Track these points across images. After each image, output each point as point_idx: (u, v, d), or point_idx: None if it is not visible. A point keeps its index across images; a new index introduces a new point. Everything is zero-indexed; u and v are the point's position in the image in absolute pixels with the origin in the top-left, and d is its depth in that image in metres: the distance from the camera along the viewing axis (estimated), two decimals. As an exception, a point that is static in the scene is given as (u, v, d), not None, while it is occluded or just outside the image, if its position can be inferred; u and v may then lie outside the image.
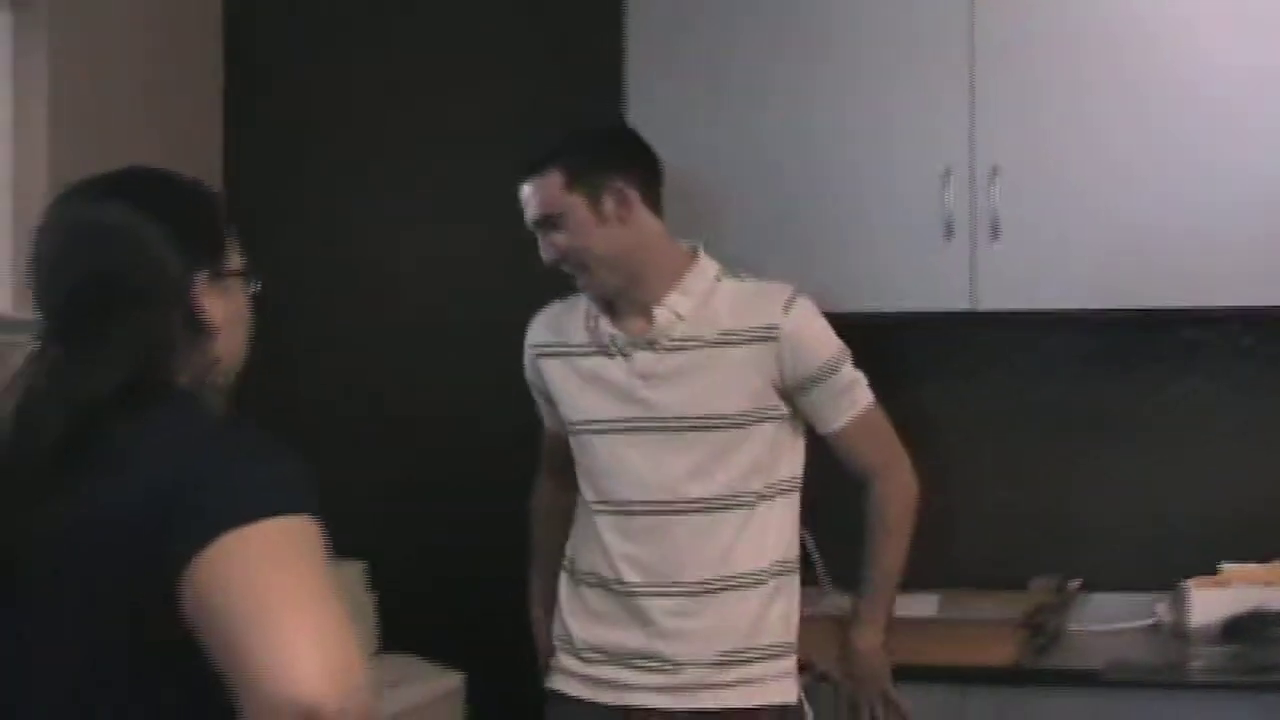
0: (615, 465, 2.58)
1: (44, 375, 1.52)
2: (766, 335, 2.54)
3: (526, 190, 2.57)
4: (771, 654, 2.57)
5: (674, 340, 2.55)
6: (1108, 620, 3.05)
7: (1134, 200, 2.89)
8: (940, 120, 2.96)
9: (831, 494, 3.20)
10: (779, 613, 2.59)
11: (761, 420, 2.55)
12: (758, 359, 2.54)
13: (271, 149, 3.59)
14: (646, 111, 3.02)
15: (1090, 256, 2.91)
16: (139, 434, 1.47)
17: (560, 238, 2.54)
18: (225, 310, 1.61)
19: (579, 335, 2.63)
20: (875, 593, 2.68)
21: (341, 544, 2.75)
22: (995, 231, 2.92)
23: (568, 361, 2.64)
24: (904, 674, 2.73)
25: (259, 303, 1.67)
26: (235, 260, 1.64)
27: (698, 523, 2.54)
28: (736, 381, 2.54)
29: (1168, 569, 3.05)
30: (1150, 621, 3.04)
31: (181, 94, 3.45)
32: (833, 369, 2.57)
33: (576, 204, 2.53)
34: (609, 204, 2.53)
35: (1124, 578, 3.13)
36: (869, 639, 2.69)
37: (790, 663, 2.60)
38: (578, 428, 2.63)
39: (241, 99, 3.60)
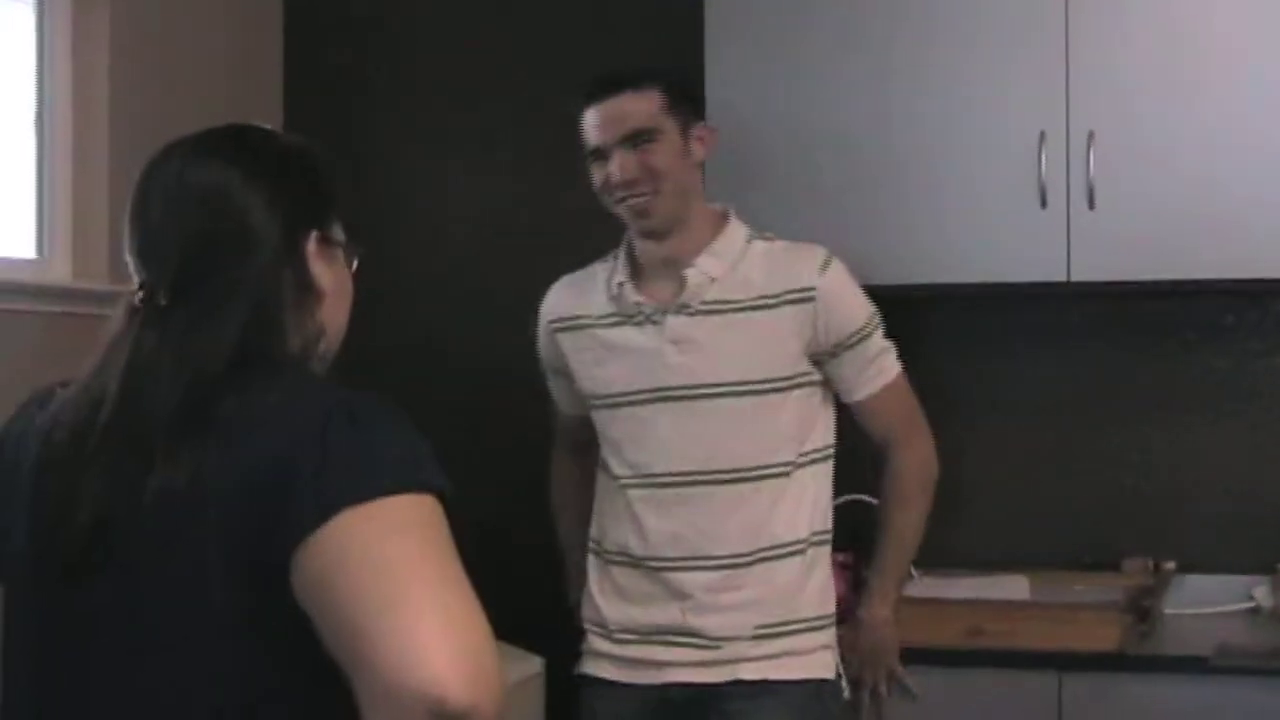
0: (645, 437, 2.49)
1: (154, 340, 1.43)
2: (802, 297, 2.45)
3: (610, 106, 2.46)
4: (811, 626, 2.49)
5: (706, 303, 2.47)
6: (1203, 603, 2.94)
7: (1233, 166, 2.78)
8: (1033, 82, 2.84)
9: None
10: (817, 584, 2.51)
11: (797, 386, 2.48)
12: (793, 322, 2.45)
13: (332, 111, 3.50)
14: (723, 71, 2.93)
15: (1188, 225, 2.79)
16: (253, 403, 1.38)
17: (650, 156, 2.44)
18: (331, 279, 1.53)
19: (601, 305, 2.55)
20: (886, 565, 2.61)
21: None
22: (1091, 199, 2.80)
23: (589, 334, 2.55)
24: (997, 659, 2.65)
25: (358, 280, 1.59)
26: (340, 231, 1.56)
27: (734, 493, 2.45)
28: (772, 345, 2.46)
29: (1266, 550, 2.95)
30: (1248, 605, 2.93)
31: (242, 56, 3.35)
32: (865, 335, 2.49)
33: (672, 128, 2.47)
34: (692, 142, 2.50)
35: (1220, 559, 3.02)
36: (877, 611, 2.62)
37: (828, 635, 2.53)
38: (603, 401, 2.54)
39: (303, 62, 3.51)
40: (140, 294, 1.46)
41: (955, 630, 2.68)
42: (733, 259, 2.49)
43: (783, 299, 2.45)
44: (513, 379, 3.13)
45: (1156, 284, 2.88)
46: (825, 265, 2.47)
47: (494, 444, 3.34)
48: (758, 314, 2.45)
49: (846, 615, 2.69)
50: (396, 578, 1.26)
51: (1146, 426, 3.13)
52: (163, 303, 1.44)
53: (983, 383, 3.17)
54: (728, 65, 2.95)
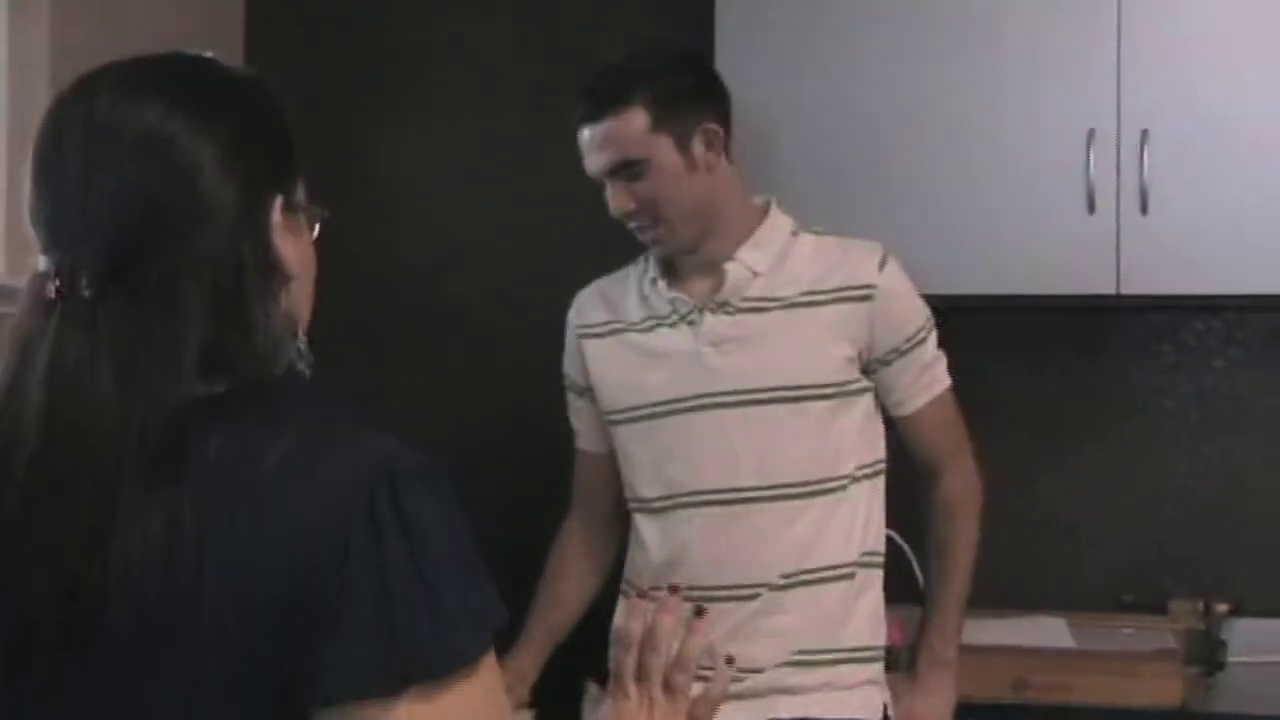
0: (687, 450, 2.22)
1: (82, 346, 1.09)
2: (860, 295, 2.20)
3: (595, 132, 2.19)
4: (857, 658, 2.22)
5: (748, 300, 2.22)
6: (1263, 650, 2.66)
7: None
8: (1081, 74, 2.58)
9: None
10: (866, 610, 2.25)
11: (851, 392, 2.23)
12: (848, 321, 2.20)
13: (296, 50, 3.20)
14: (735, 63, 2.62)
15: (1250, 233, 2.54)
16: (252, 443, 1.07)
17: (642, 187, 2.18)
18: (295, 250, 1.20)
19: (634, 309, 2.29)
20: (948, 600, 2.34)
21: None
22: (1144, 204, 2.54)
23: (620, 340, 2.29)
24: (1049, 716, 2.37)
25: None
26: (302, 190, 1.24)
27: (779, 511, 2.20)
28: (822, 346, 2.20)
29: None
30: (1312, 652, 2.67)
31: (202, 33, 3.04)
32: (921, 340, 2.27)
33: (663, 147, 2.18)
34: (699, 147, 2.20)
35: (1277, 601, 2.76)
36: (940, 653, 2.32)
37: (876, 670, 2.26)
38: (637, 413, 2.27)
39: (265, 47, 3.21)
40: (55, 282, 1.11)
41: (997, 682, 2.42)
42: (778, 251, 2.24)
43: (835, 295, 2.21)
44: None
45: (1215, 298, 2.63)
46: (885, 262, 2.23)
47: (495, 445, 3.07)
48: (807, 311, 2.21)
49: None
50: None
51: (1195, 451, 2.88)
52: (87, 294, 1.10)
53: (1012, 401, 2.91)
54: (741, 57, 2.67)
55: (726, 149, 2.25)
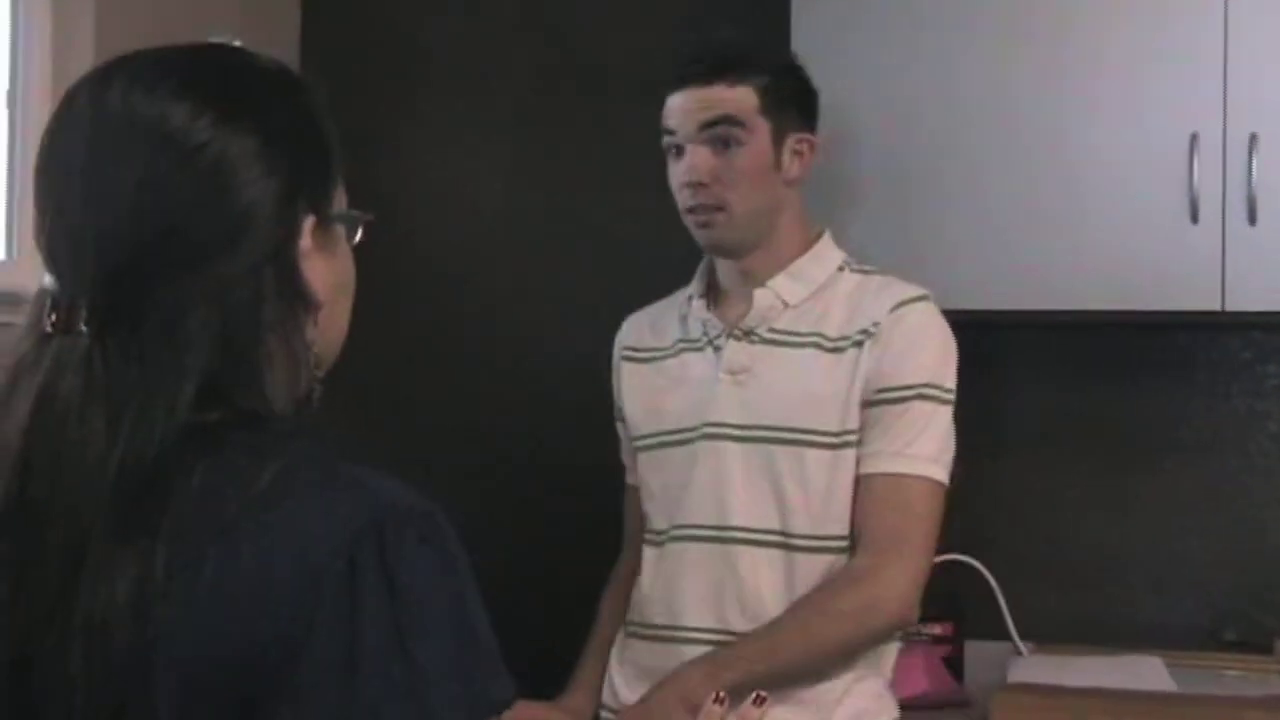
0: (688, 481, 2.08)
1: (76, 390, 0.97)
2: (867, 336, 2.03)
3: (699, 94, 2.07)
4: None
5: (775, 331, 2.08)
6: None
7: None
8: (1185, 76, 2.39)
9: (1012, 523, 2.73)
10: (869, 691, 2.06)
11: (856, 444, 2.04)
12: (858, 367, 2.03)
13: (350, 104, 3.08)
14: (808, 55, 2.48)
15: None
16: (226, 489, 0.94)
17: (725, 160, 2.06)
18: (329, 272, 1.07)
19: (672, 333, 2.18)
20: (752, 653, 1.95)
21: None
22: (1252, 214, 2.36)
23: (656, 366, 2.18)
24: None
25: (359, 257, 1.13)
26: (342, 197, 1.10)
27: (766, 559, 2.03)
28: (834, 393, 2.03)
29: None
30: None
31: (254, 34, 2.92)
32: (911, 399, 2.02)
33: (763, 131, 2.08)
34: (787, 153, 2.10)
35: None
36: (690, 675, 1.93)
37: None
38: (647, 441, 2.16)
39: (319, 46, 3.09)
40: (51, 316, 0.98)
41: (1090, 729, 2.24)
42: (816, 285, 2.10)
43: (855, 340, 2.04)
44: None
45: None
46: (904, 304, 2.05)
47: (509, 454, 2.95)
48: (825, 354, 2.05)
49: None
50: None
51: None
52: (84, 329, 0.97)
53: (1107, 424, 2.74)
54: (814, 50, 2.51)
55: (807, 171, 2.15)
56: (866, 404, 2.03)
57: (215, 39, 1.10)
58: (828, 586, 2.01)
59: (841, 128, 2.48)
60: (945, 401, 2.04)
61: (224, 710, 0.92)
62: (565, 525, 2.85)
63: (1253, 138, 2.36)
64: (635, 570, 2.20)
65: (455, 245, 3.05)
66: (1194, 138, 2.37)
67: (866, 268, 2.15)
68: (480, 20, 3.04)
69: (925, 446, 2.02)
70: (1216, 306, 2.38)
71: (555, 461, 2.92)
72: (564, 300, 2.94)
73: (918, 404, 2.02)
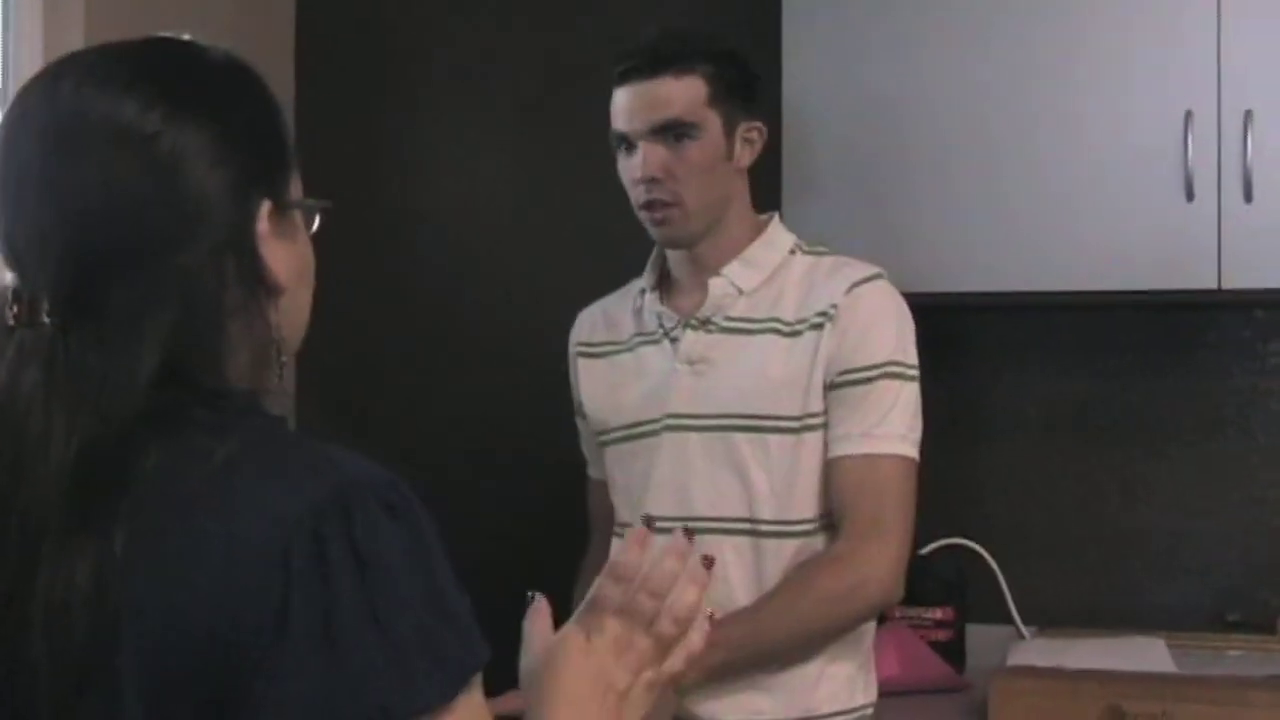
0: (649, 474, 2.08)
1: (36, 381, 0.98)
2: (824, 319, 2.03)
3: (646, 89, 2.05)
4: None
5: (731, 319, 2.07)
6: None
7: None
8: (1179, 52, 2.37)
9: (1013, 507, 2.71)
10: (843, 674, 2.05)
11: (823, 427, 2.03)
12: (817, 349, 2.02)
13: (347, 98, 3.08)
14: (801, 38, 2.50)
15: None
16: (186, 465, 0.95)
17: (678, 156, 2.05)
18: (289, 258, 1.08)
19: (626, 327, 2.17)
20: (735, 630, 1.92)
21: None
22: (1247, 191, 2.33)
23: (610, 360, 2.18)
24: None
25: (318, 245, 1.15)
26: (298, 184, 1.11)
27: (733, 549, 2.01)
28: (793, 376, 2.02)
29: None
30: None
31: (247, 31, 2.92)
32: (870, 378, 2.01)
33: (713, 123, 2.07)
34: (738, 143, 2.10)
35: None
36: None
37: None
38: (611, 435, 2.15)
39: (315, 47, 3.09)
40: (13, 309, 1.00)
41: (1090, 711, 2.21)
42: (768, 270, 2.09)
43: (812, 323, 2.03)
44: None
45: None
46: (859, 283, 2.05)
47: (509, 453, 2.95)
48: (782, 338, 2.04)
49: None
50: None
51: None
52: (46, 321, 0.99)
53: (1104, 405, 2.72)
54: (805, 45, 2.51)
55: (756, 157, 2.14)
56: (831, 386, 2.02)
57: (166, 34, 1.12)
58: (810, 569, 2.00)
59: (834, 109, 2.48)
60: (910, 378, 2.04)
61: (195, 689, 0.92)
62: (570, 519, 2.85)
63: (1247, 114, 2.33)
64: (601, 561, 2.18)
65: (460, 240, 3.04)
66: (1188, 115, 2.35)
67: (819, 249, 2.14)
68: (481, 17, 3.03)
69: (894, 425, 2.01)
70: (1213, 285, 2.36)
71: (555, 457, 2.92)
72: (564, 294, 2.92)
73: (883, 382, 2.01)
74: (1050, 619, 2.64)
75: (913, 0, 2.49)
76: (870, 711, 2.10)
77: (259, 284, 1.05)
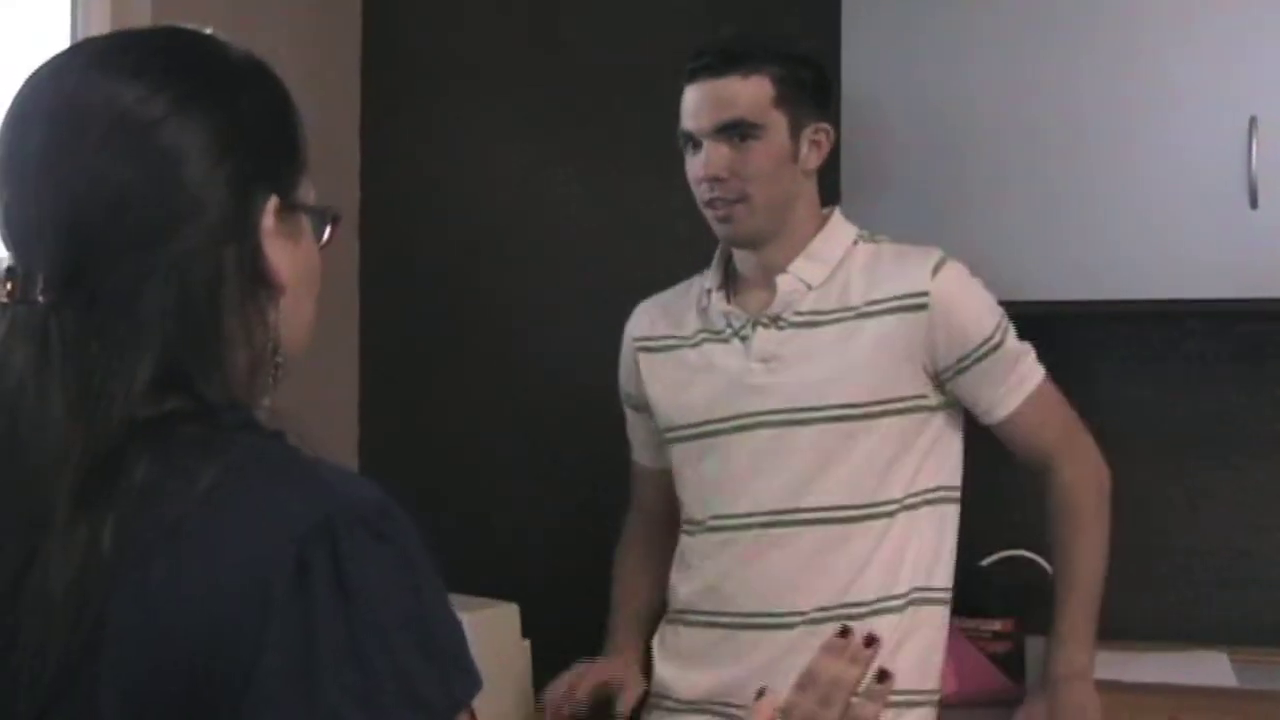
0: (726, 471, 2.13)
1: (31, 358, 0.97)
2: (914, 304, 2.07)
3: (714, 87, 2.10)
4: (900, 702, 2.04)
5: (801, 314, 2.12)
6: None
7: None
8: (1243, 56, 2.34)
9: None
10: (914, 653, 2.09)
11: (908, 410, 2.09)
12: (901, 334, 2.08)
13: (412, 96, 3.10)
14: (861, 41, 2.48)
15: None
16: (175, 481, 0.94)
17: (743, 156, 2.09)
18: (293, 259, 1.07)
19: (691, 323, 2.20)
20: (1073, 605, 2.17)
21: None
22: (1314, 199, 2.30)
23: (674, 355, 2.21)
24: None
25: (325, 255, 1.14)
26: (309, 189, 1.10)
27: (818, 538, 2.08)
28: (874, 362, 2.08)
29: None
30: None
31: (314, 42, 2.96)
32: (995, 344, 2.13)
33: (778, 124, 2.11)
34: (804, 144, 2.14)
35: None
36: (1075, 658, 2.14)
37: (924, 715, 2.10)
38: (683, 431, 2.18)
39: (383, 44, 3.12)
40: (8, 285, 0.99)
41: (1149, 724, 2.20)
42: (833, 263, 2.13)
43: (889, 307, 2.08)
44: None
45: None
46: (939, 266, 2.10)
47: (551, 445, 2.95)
48: (860, 324, 2.09)
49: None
50: None
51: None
52: (41, 299, 0.98)
53: (1167, 417, 2.69)
54: (866, 48, 2.49)
55: (824, 159, 2.18)
56: (958, 371, 2.11)
57: (182, 25, 1.11)
58: (1059, 509, 2.18)
59: (893, 107, 2.47)
60: (1008, 325, 2.16)
61: (173, 716, 0.91)
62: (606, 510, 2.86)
63: (1314, 119, 2.30)
64: (648, 545, 2.30)
65: (523, 239, 3.06)
66: (1253, 121, 2.32)
67: (877, 236, 2.20)
68: (543, 18, 3.05)
69: (1024, 364, 2.16)
70: (1278, 294, 2.33)
71: (587, 448, 2.94)
72: (595, 292, 2.95)
73: (1002, 344, 2.13)
74: (1111, 631, 2.60)
75: (991, 5, 2.46)
76: (934, 699, 2.13)
77: (260, 280, 1.04)
